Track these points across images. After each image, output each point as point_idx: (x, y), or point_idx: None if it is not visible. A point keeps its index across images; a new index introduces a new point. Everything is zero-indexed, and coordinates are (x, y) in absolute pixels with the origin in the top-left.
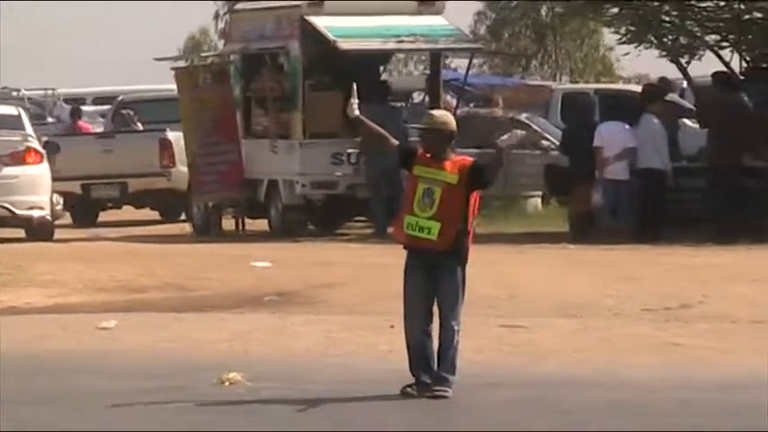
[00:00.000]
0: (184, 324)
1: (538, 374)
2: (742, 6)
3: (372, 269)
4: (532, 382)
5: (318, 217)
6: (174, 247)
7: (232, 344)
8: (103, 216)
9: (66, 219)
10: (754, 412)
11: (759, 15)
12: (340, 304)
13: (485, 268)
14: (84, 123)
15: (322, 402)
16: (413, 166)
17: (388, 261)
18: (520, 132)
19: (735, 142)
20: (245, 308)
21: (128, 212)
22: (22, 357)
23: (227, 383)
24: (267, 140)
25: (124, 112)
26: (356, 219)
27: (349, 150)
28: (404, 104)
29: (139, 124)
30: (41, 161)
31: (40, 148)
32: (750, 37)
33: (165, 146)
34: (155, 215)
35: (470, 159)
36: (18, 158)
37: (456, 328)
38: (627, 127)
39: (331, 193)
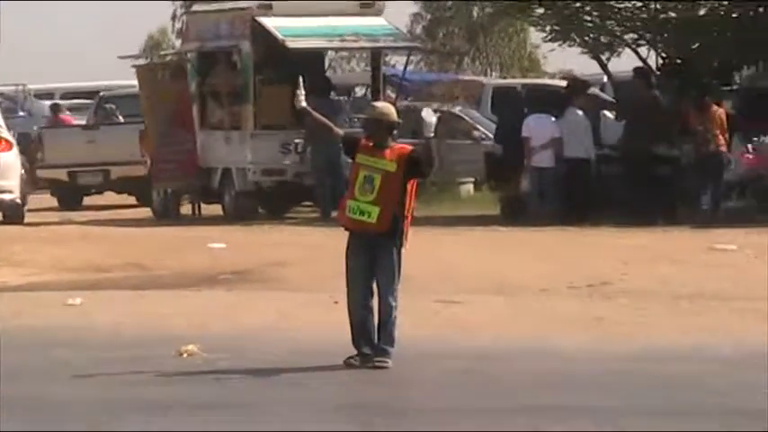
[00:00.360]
0: (146, 300)
1: (473, 347)
2: (658, 6)
3: (319, 250)
4: (469, 355)
5: (268, 202)
6: (137, 231)
7: (191, 319)
8: (87, 201)
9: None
10: (672, 382)
11: (674, 15)
12: (290, 282)
13: (421, 249)
14: (65, 116)
15: (272, 372)
16: (356, 154)
17: (334, 243)
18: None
19: (647, 133)
20: (203, 286)
21: (109, 198)
22: None
23: (185, 355)
24: (221, 132)
25: (107, 106)
26: (303, 204)
27: (296, 140)
28: (346, 98)
29: (121, 117)
30: (11, 149)
31: (10, 138)
32: (666, 35)
33: (144, 137)
34: (132, 200)
35: (409, 149)
36: None
37: (393, 303)
38: (553, 119)
39: (280, 179)
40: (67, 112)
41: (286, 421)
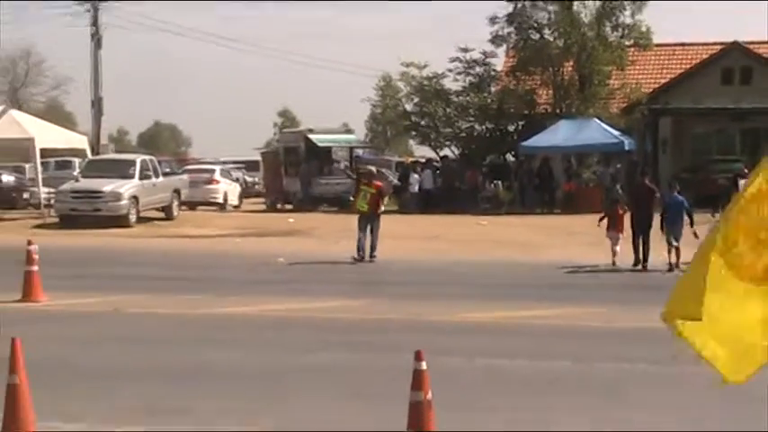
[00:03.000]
0: (265, 242)
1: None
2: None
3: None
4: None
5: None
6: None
7: (285, 249)
8: None
9: None
10: None
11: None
12: (325, 236)
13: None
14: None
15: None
16: (360, 185)
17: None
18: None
19: None
20: (296, 235)
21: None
22: None
23: (281, 260)
24: (293, 177)
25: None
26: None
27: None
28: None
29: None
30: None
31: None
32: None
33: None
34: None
35: (379, 184)
36: None
37: (377, 241)
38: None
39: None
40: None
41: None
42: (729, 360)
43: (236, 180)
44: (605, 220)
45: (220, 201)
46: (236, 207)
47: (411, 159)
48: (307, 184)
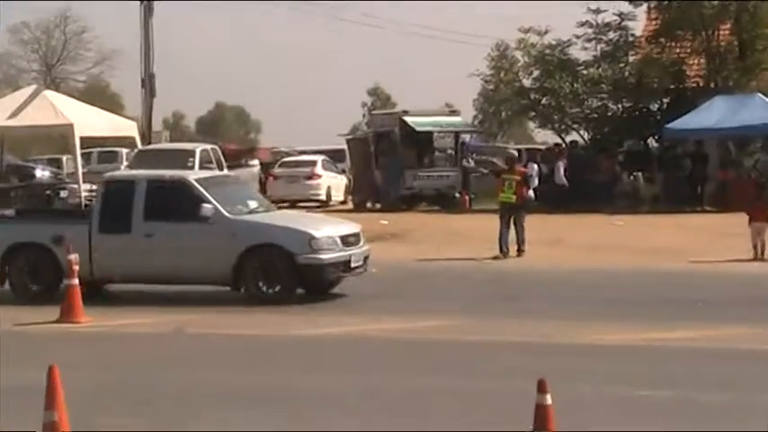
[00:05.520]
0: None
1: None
2: (587, 111)
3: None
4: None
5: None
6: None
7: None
8: None
9: None
10: None
11: (595, 115)
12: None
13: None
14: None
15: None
16: (503, 174)
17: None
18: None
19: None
20: (389, 240)
21: None
22: None
23: (374, 270)
24: (384, 169)
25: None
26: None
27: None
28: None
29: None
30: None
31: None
32: (592, 124)
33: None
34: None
35: (524, 170)
36: None
37: (524, 233)
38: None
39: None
40: None
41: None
42: None
43: (343, 172)
44: None
45: (323, 197)
46: (342, 203)
47: (526, 147)
48: (395, 180)
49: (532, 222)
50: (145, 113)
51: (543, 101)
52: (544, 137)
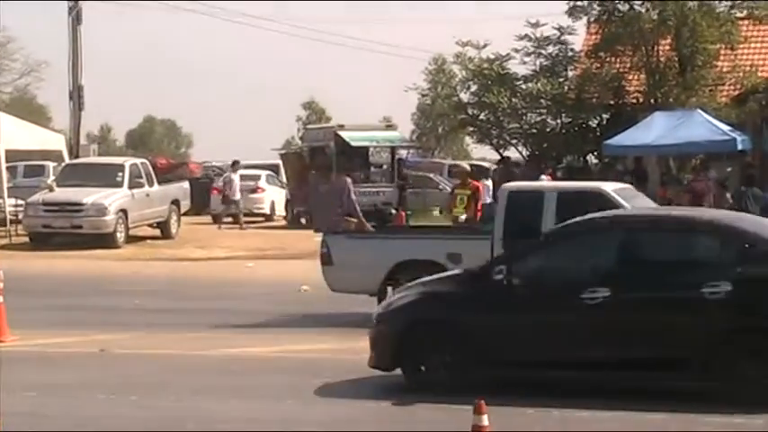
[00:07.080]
0: (284, 266)
1: None
2: (526, 126)
3: None
4: None
5: None
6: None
7: (306, 274)
8: None
9: None
10: None
11: (534, 131)
12: None
13: None
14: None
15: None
16: (455, 189)
17: None
18: None
19: None
20: (310, 258)
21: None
22: None
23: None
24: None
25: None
26: None
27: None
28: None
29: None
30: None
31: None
32: (530, 140)
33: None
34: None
35: (477, 184)
36: None
37: None
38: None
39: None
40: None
41: None
42: None
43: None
44: None
45: (267, 211)
46: (285, 218)
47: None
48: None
49: None
50: (72, 126)
51: (481, 116)
52: (481, 152)
